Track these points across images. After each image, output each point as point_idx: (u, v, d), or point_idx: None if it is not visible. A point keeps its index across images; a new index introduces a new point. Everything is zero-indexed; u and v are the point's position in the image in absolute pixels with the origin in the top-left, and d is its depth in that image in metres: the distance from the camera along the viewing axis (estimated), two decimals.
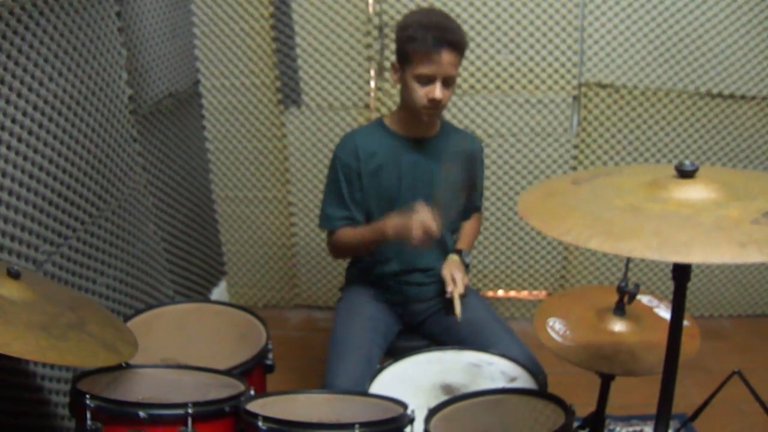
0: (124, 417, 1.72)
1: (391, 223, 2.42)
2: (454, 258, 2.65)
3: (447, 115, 3.61)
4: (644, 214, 1.39)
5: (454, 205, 2.69)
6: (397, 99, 2.55)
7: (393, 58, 2.49)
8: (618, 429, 3.07)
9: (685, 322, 2.16)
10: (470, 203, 2.81)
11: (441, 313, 2.66)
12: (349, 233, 2.62)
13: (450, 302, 2.51)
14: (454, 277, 2.54)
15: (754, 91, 3.58)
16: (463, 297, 2.50)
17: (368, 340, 2.50)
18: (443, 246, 2.69)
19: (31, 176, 2.24)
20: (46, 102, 2.33)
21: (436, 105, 2.41)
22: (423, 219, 2.29)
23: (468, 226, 2.84)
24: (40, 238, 2.30)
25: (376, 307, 2.68)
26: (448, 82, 2.39)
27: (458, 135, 2.73)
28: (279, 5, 3.61)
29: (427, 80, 2.36)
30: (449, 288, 2.52)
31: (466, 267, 2.67)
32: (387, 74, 2.50)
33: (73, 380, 1.81)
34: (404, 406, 1.86)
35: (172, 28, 3.39)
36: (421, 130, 2.58)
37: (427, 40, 2.30)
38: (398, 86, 2.52)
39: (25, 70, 2.21)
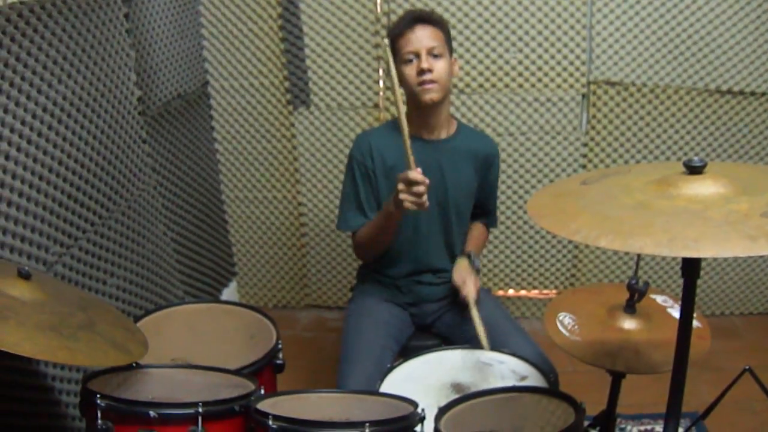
0: (134, 416, 1.72)
1: (391, 197, 2.38)
2: (463, 262, 2.62)
3: (457, 114, 3.61)
4: (653, 211, 1.39)
5: (467, 205, 2.69)
6: (405, 99, 2.56)
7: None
8: (629, 428, 3.06)
9: (698, 324, 2.16)
10: (484, 209, 2.81)
11: (452, 312, 2.66)
12: (365, 228, 2.63)
13: (465, 306, 2.48)
14: (466, 282, 2.52)
15: (763, 88, 3.56)
16: (477, 302, 2.47)
17: (380, 345, 2.50)
18: (452, 247, 2.69)
19: (41, 178, 2.25)
20: (55, 104, 2.33)
21: (428, 77, 2.42)
22: (405, 178, 2.24)
23: (476, 231, 2.83)
24: (50, 240, 2.31)
25: (389, 310, 2.68)
26: (437, 56, 2.44)
27: (474, 136, 2.72)
28: (287, 6, 3.61)
29: (413, 57, 2.43)
30: (463, 294, 2.50)
31: (477, 272, 2.63)
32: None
33: (83, 380, 1.82)
34: (414, 404, 1.85)
35: (180, 30, 3.40)
36: (434, 131, 2.58)
37: (401, 23, 2.45)
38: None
39: (34, 72, 2.21)
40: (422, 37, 2.42)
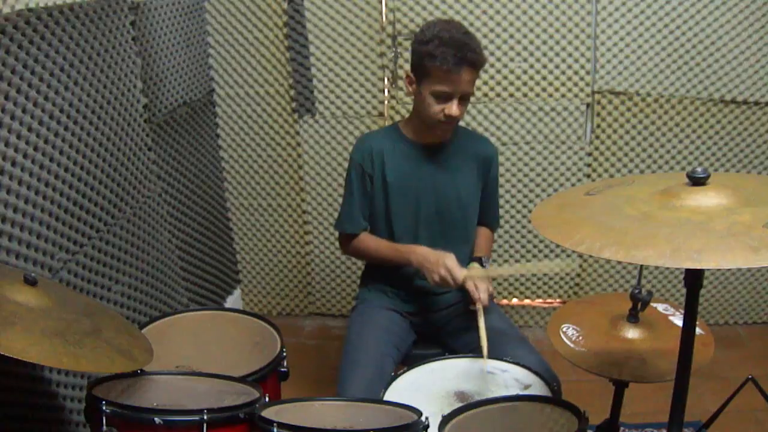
0: (139, 423, 1.72)
1: (420, 254, 2.49)
2: (475, 266, 2.60)
3: (462, 123, 3.60)
4: (657, 223, 1.40)
5: (474, 207, 2.69)
6: (410, 108, 2.56)
7: (407, 67, 2.49)
8: None
9: (701, 331, 2.16)
10: (486, 215, 2.81)
11: (456, 321, 2.66)
12: (371, 243, 2.65)
13: (475, 315, 2.43)
14: (479, 288, 2.43)
15: (767, 98, 3.56)
16: (485, 309, 2.45)
17: (381, 352, 2.50)
18: (458, 253, 2.69)
19: (47, 184, 2.26)
20: (61, 111, 2.34)
21: (451, 121, 2.43)
22: (449, 271, 2.38)
23: (483, 235, 2.83)
24: (56, 246, 2.31)
25: (390, 318, 2.68)
26: (464, 99, 2.40)
27: (472, 139, 2.73)
28: (293, 14, 3.62)
29: (445, 97, 2.37)
30: (475, 299, 2.42)
31: None
32: (401, 83, 2.51)
33: (88, 386, 1.82)
34: (418, 413, 1.85)
35: (186, 38, 3.41)
36: (435, 137, 2.59)
37: (448, 59, 2.29)
38: (412, 95, 2.52)
39: (41, 79, 2.22)
40: (463, 83, 2.34)
